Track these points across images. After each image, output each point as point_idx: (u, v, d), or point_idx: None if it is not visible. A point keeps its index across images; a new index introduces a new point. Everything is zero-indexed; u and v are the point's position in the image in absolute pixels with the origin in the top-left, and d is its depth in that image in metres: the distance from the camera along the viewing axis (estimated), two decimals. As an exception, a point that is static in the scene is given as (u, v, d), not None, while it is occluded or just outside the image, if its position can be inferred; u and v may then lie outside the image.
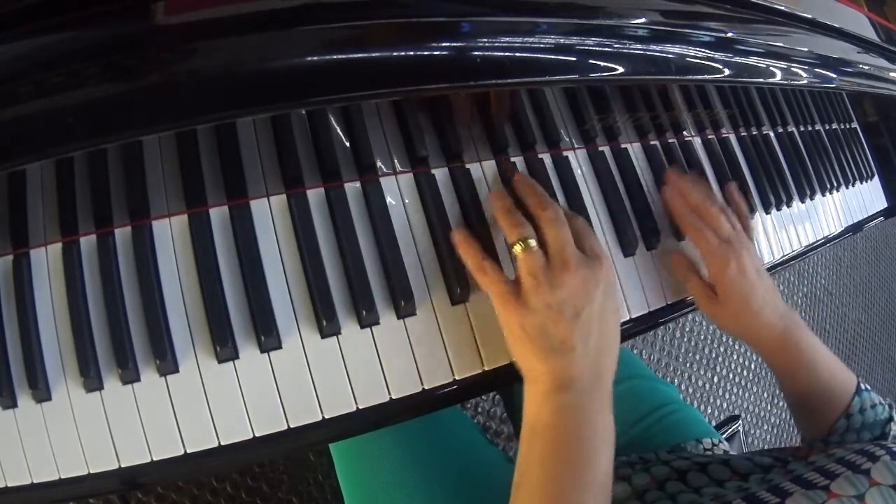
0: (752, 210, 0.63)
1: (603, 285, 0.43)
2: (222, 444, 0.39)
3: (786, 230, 0.67)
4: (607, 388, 0.43)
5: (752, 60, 0.51)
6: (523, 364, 0.43)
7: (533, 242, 0.43)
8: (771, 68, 0.52)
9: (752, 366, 1.75)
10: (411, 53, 0.35)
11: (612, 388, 0.43)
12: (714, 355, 1.67)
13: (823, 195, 0.76)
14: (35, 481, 0.37)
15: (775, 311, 0.53)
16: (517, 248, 0.43)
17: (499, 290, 0.43)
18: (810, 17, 0.56)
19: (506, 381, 0.46)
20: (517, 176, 0.48)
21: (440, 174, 0.48)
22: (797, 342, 0.53)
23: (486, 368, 0.45)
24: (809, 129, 0.79)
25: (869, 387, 0.55)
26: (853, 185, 0.83)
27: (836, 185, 0.79)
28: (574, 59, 0.41)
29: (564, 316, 0.41)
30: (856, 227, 0.80)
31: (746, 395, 1.72)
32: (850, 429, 0.53)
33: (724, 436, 0.87)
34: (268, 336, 0.40)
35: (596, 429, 0.41)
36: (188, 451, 0.39)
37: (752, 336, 0.54)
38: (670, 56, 0.45)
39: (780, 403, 1.79)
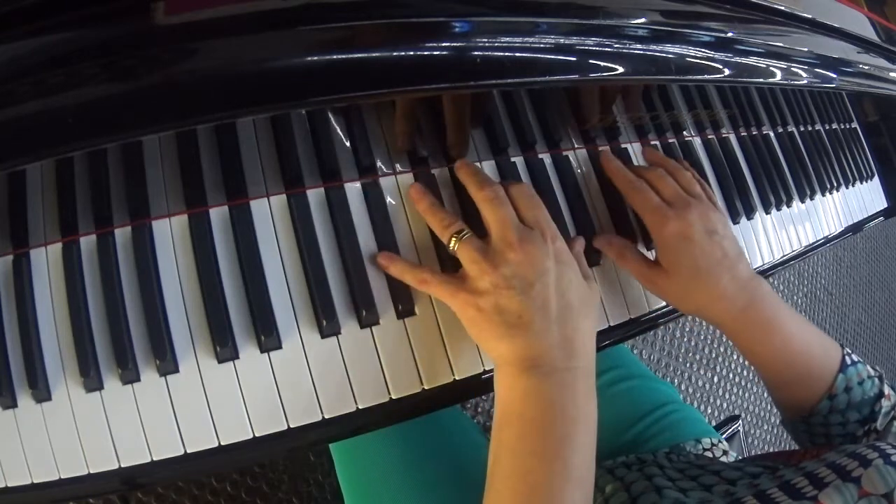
0: (752, 211, 0.63)
1: (553, 256, 0.42)
2: (222, 444, 0.39)
3: (786, 230, 0.67)
4: (584, 366, 0.40)
5: (752, 60, 0.51)
6: (486, 348, 0.42)
7: (465, 233, 0.43)
8: (771, 68, 0.52)
9: (752, 366, 1.75)
10: (411, 53, 0.35)
11: (591, 367, 0.41)
12: (714, 355, 1.67)
13: (823, 195, 0.76)
14: (35, 481, 0.37)
15: (735, 280, 0.47)
16: (452, 243, 0.43)
17: (446, 289, 0.42)
18: (810, 17, 0.56)
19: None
20: (459, 162, 0.47)
21: (440, 174, 0.48)
22: (765, 318, 0.47)
23: (486, 368, 0.45)
24: (809, 129, 0.79)
25: (857, 358, 0.50)
26: (853, 185, 0.83)
27: (835, 185, 0.79)
28: (574, 59, 0.41)
29: (515, 290, 0.40)
30: (856, 227, 0.80)
31: (746, 395, 1.72)
32: (833, 410, 0.48)
33: (724, 436, 0.87)
34: (268, 336, 0.40)
35: (568, 413, 0.38)
36: (188, 451, 0.39)
37: (710, 311, 0.48)
38: (670, 56, 0.45)
39: (781, 403, 1.78)
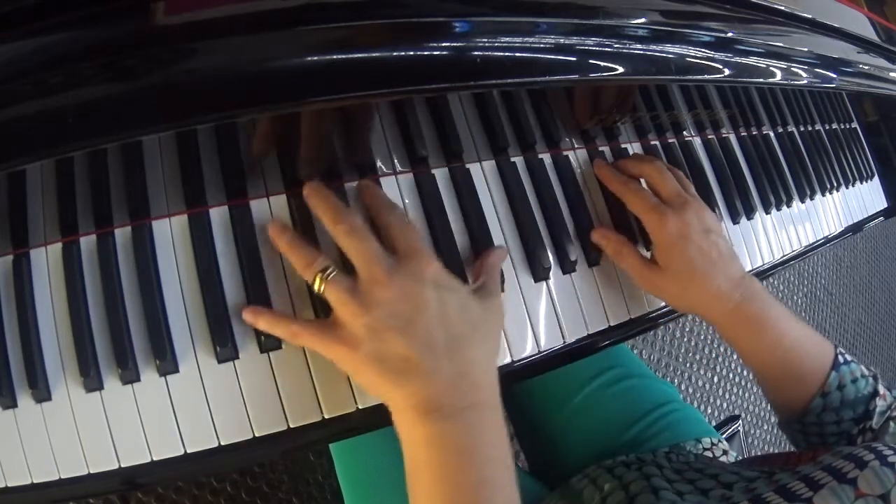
0: (752, 211, 0.63)
1: (430, 284, 0.38)
2: (222, 444, 0.39)
3: (786, 230, 0.67)
4: (488, 399, 0.37)
5: (752, 60, 0.51)
6: (377, 396, 0.39)
7: (331, 271, 0.38)
8: (771, 68, 0.52)
9: (752, 366, 1.75)
10: (411, 53, 0.35)
11: (496, 398, 0.38)
12: (714, 355, 1.67)
13: (823, 195, 0.76)
14: (35, 481, 0.37)
15: (729, 280, 0.48)
16: (317, 284, 0.38)
17: (319, 340, 0.38)
18: (810, 17, 0.56)
19: (508, 380, 0.46)
20: (306, 190, 0.41)
21: (440, 174, 0.48)
22: (757, 314, 0.48)
23: (486, 368, 0.45)
24: (809, 129, 0.79)
25: (850, 357, 0.51)
26: (853, 185, 0.83)
27: (835, 185, 0.79)
28: (574, 59, 0.41)
29: (394, 332, 0.36)
30: (856, 227, 0.80)
31: (746, 395, 1.72)
32: (827, 408, 0.49)
33: (724, 436, 0.87)
34: (268, 336, 0.40)
35: (481, 454, 0.36)
36: (188, 451, 0.39)
37: (704, 309, 0.49)
38: (670, 56, 0.45)
39: (780, 403, 1.78)
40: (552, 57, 0.40)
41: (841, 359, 0.50)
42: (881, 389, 0.50)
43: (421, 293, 0.37)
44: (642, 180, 0.54)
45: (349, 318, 0.37)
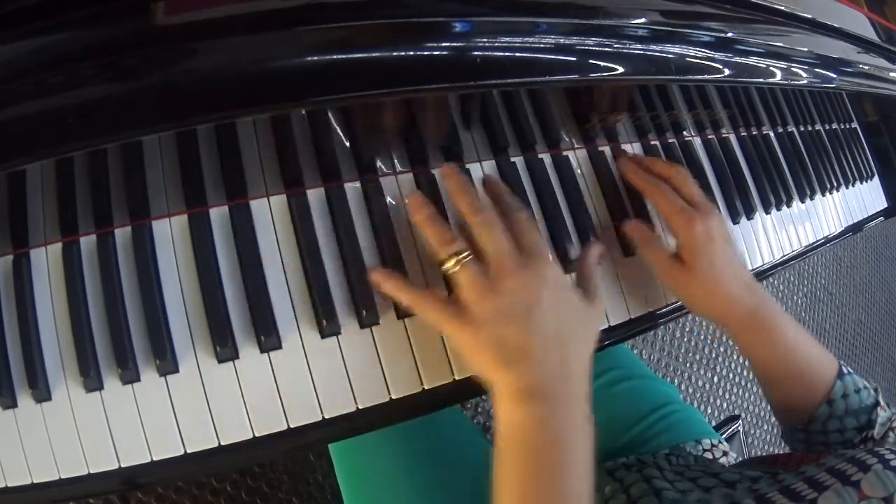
0: (752, 211, 0.63)
1: (550, 282, 0.42)
2: (222, 444, 0.39)
3: (786, 230, 0.67)
4: (579, 390, 0.41)
5: (752, 60, 0.51)
6: (483, 375, 0.41)
7: (468, 255, 0.41)
8: (771, 68, 0.52)
9: (752, 366, 1.74)
10: (411, 53, 0.35)
11: (586, 389, 0.41)
12: (714, 355, 1.67)
13: (823, 195, 0.76)
14: (35, 481, 0.37)
15: (746, 286, 0.50)
16: (450, 264, 0.41)
17: (442, 315, 0.41)
18: (810, 17, 0.56)
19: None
20: (445, 170, 0.45)
21: (440, 174, 0.48)
22: (770, 322, 0.50)
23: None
24: (809, 129, 0.79)
25: (851, 370, 0.53)
26: (853, 185, 0.83)
27: (835, 185, 0.79)
28: (574, 59, 0.41)
29: (516, 319, 0.40)
30: (856, 227, 0.80)
31: (746, 395, 1.72)
32: (832, 416, 0.50)
33: (724, 436, 0.87)
34: (268, 336, 0.40)
35: (568, 441, 0.39)
36: (188, 451, 0.39)
37: (722, 312, 0.51)
38: (670, 56, 0.45)
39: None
40: (552, 57, 0.40)
41: (845, 370, 0.52)
42: (881, 401, 0.52)
43: (541, 288, 0.41)
44: None
45: (478, 299, 0.40)
